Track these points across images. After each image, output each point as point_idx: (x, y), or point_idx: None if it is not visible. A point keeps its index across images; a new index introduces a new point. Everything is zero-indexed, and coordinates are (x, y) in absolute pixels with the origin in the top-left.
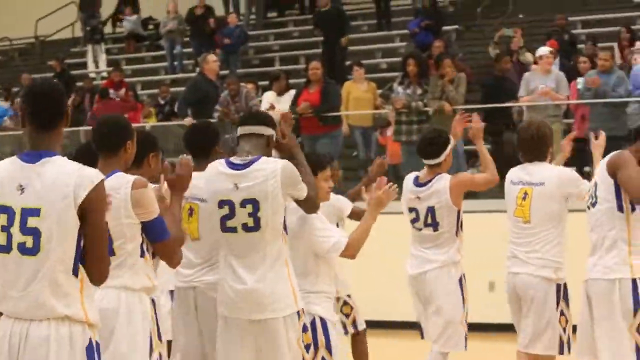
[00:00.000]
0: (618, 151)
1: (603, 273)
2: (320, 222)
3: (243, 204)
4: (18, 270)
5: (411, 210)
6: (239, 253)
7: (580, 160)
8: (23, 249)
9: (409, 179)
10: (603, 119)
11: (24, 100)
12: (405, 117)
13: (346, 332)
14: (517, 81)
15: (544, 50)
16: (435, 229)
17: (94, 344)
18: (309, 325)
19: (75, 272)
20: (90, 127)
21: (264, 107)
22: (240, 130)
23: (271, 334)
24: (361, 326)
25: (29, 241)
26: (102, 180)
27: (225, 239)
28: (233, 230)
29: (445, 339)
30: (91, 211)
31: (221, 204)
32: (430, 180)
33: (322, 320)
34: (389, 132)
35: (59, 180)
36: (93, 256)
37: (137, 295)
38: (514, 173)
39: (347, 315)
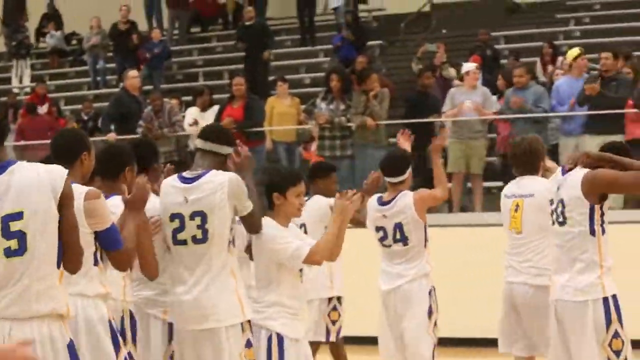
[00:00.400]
0: (591, 171)
1: (574, 295)
2: (277, 230)
3: (192, 216)
4: (6, 272)
5: (378, 229)
6: (188, 265)
7: (507, 175)
8: (9, 252)
9: (372, 199)
10: (524, 133)
11: None
12: (328, 133)
13: (328, 339)
14: (440, 96)
15: (470, 65)
16: (405, 244)
17: (73, 341)
18: (265, 341)
19: (58, 264)
20: (14, 143)
21: (187, 122)
22: (199, 144)
23: (213, 344)
24: (340, 335)
25: (14, 243)
26: (67, 172)
27: (176, 251)
28: (184, 243)
29: (413, 349)
30: (66, 202)
31: (172, 217)
32: (394, 198)
33: (279, 336)
34: (313, 147)
35: (34, 182)
36: (70, 244)
37: (92, 302)
38: (507, 187)
39: (334, 322)
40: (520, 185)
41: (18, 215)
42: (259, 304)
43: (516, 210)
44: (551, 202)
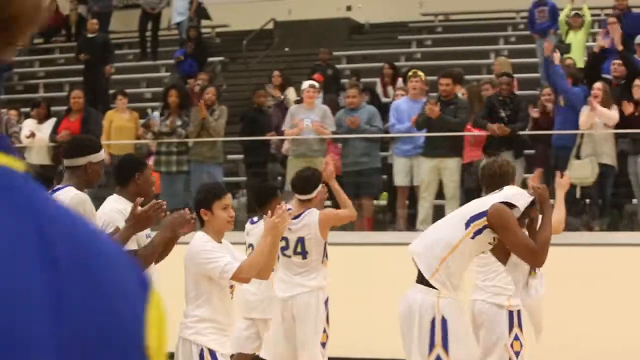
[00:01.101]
0: (500, 206)
1: (414, 300)
2: (207, 244)
3: None
4: None
5: (282, 239)
6: None
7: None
8: None
9: None
10: (357, 153)
11: None
12: (165, 148)
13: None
14: (280, 114)
15: (305, 84)
16: (304, 257)
17: None
18: (197, 357)
19: None
20: None
21: (24, 134)
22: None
23: None
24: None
25: None
26: None
27: None
28: None
29: (307, 355)
30: None
31: None
32: (301, 214)
33: (211, 352)
34: (150, 161)
35: None
36: None
37: None
38: None
39: None
40: None
41: None
42: (188, 319)
43: None
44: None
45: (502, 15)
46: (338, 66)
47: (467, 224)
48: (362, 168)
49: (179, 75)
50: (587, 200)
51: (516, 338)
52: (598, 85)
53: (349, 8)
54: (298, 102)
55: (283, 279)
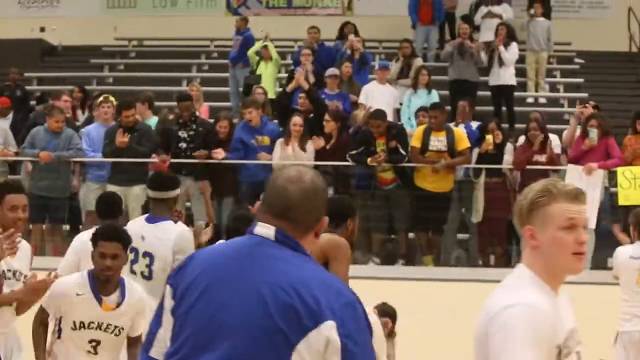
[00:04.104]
0: (335, 237)
1: None
2: None
3: None
4: None
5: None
6: None
7: None
8: None
9: None
10: (50, 177)
11: None
12: None
13: None
14: None
15: None
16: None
17: None
18: None
19: None
20: None
21: None
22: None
23: None
24: None
25: None
26: None
27: None
28: None
29: None
30: None
31: None
32: None
33: None
34: None
35: None
36: None
37: None
38: (633, 249)
39: None
40: None
41: None
42: None
43: None
44: None
45: (196, 43)
46: (29, 87)
47: None
48: (49, 193)
49: None
50: None
51: None
52: (296, 120)
53: (42, 29)
54: None
55: None
